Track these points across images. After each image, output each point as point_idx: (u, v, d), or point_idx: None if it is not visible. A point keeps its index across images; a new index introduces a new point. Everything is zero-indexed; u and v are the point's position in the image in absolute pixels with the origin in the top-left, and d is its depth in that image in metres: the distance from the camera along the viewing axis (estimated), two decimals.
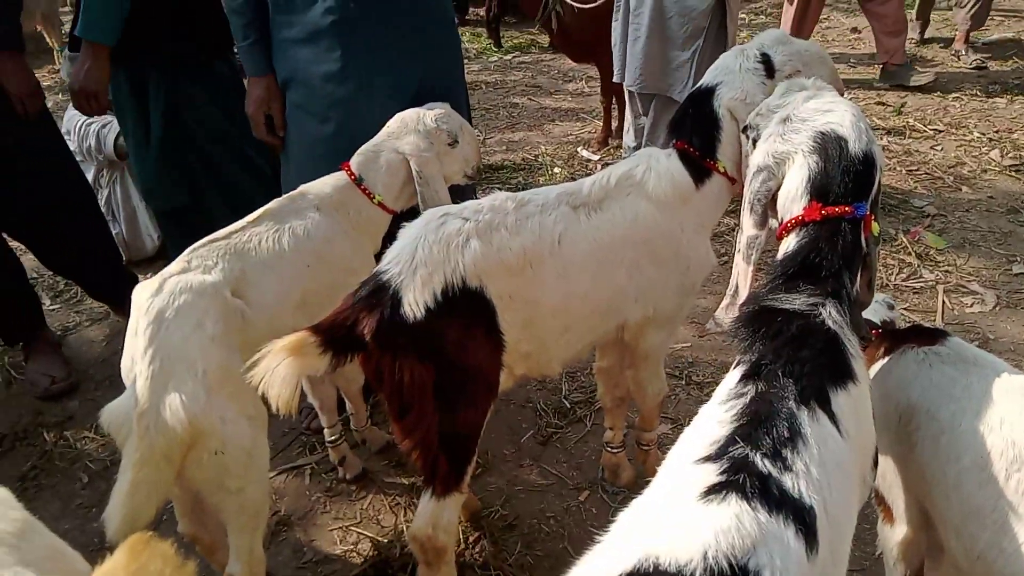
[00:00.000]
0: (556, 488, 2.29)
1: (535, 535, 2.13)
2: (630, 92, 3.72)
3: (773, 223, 1.39)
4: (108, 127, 3.38)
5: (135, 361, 1.54)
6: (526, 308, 1.69)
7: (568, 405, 2.61)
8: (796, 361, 1.04)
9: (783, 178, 1.34)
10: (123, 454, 1.50)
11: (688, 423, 2.47)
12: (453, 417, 1.63)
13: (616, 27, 3.64)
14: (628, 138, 3.88)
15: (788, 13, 5.29)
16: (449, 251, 1.60)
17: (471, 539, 2.12)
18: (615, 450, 2.23)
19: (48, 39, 6.62)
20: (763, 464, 0.91)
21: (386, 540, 2.14)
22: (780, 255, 1.28)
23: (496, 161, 4.72)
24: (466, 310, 1.61)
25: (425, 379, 1.58)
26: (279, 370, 1.39)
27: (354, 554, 2.11)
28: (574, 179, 4.41)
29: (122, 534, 1.45)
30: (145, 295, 1.59)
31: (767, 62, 1.88)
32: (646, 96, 3.64)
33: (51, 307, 3.34)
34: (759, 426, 0.95)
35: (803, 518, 0.89)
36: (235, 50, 2.37)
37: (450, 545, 1.71)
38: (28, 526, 1.07)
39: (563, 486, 2.29)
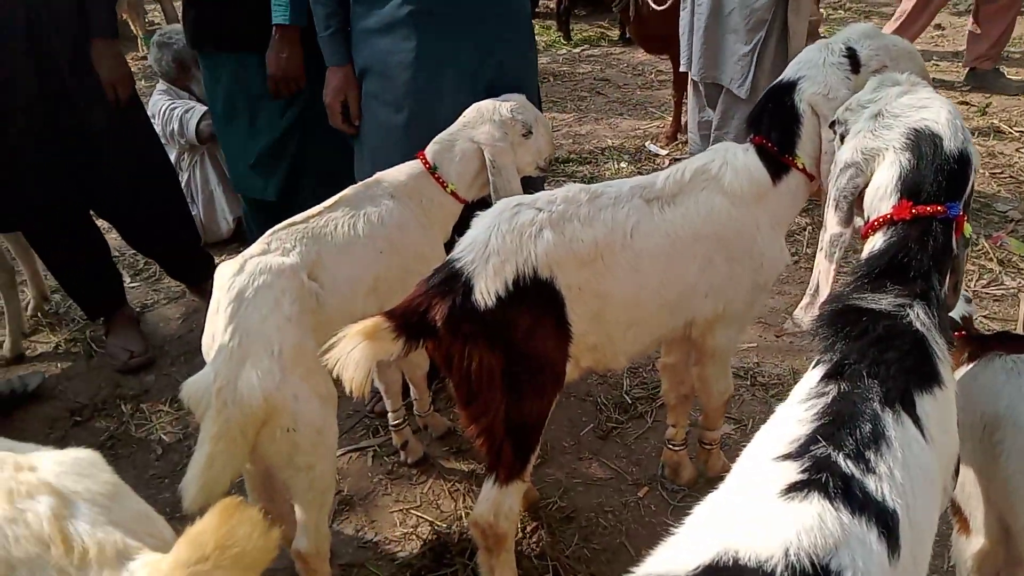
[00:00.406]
0: (615, 483, 2.28)
1: (592, 529, 2.13)
2: (694, 83, 3.67)
3: (858, 221, 1.35)
4: (191, 112, 3.49)
5: (215, 338, 1.59)
6: (596, 300, 1.68)
7: (629, 401, 2.59)
8: (881, 362, 1.01)
9: (872, 175, 1.31)
10: (201, 427, 1.55)
11: (752, 424, 2.45)
12: (519, 405, 1.65)
13: (684, 16, 3.60)
14: (692, 132, 3.83)
15: (907, 3, 5.13)
16: (522, 241, 1.61)
17: (528, 529, 2.13)
18: (677, 448, 2.21)
19: (132, 27, 6.85)
20: (846, 464, 0.88)
21: (445, 525, 2.16)
22: (865, 254, 1.25)
23: (562, 154, 4.71)
24: (536, 300, 1.62)
25: (494, 367, 1.60)
26: (353, 354, 1.43)
27: (413, 537, 2.14)
28: (640, 174, 4.38)
29: (198, 504, 1.50)
30: (227, 274, 1.64)
31: (852, 56, 1.83)
32: (713, 89, 3.58)
33: (131, 285, 3.47)
34: (842, 426, 0.93)
35: (886, 521, 0.86)
36: None
37: (511, 532, 1.72)
38: (118, 489, 1.11)
39: (622, 481, 2.28)
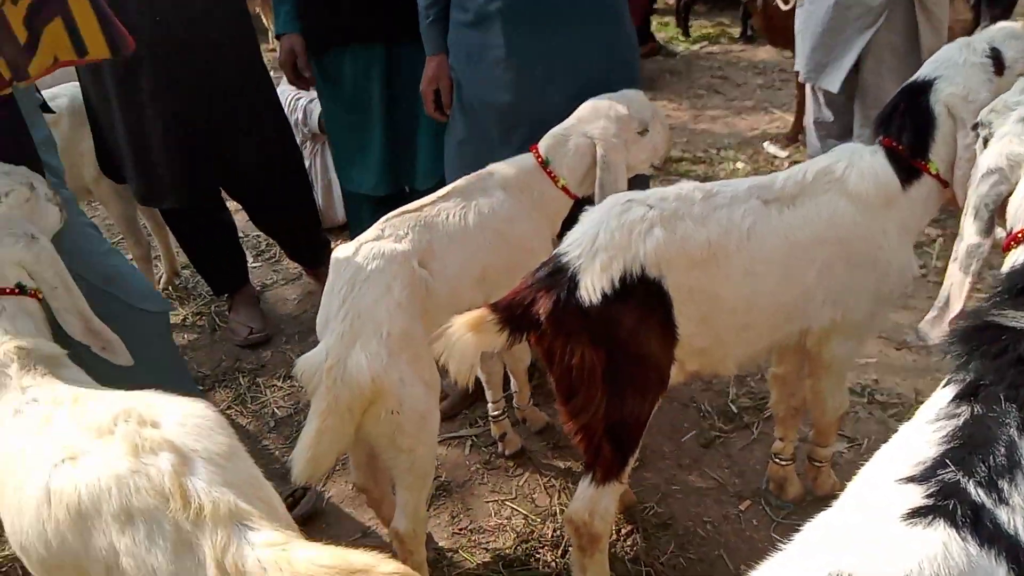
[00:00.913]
0: (715, 493, 2.21)
1: (689, 538, 2.07)
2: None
3: (999, 232, 1.25)
4: (314, 103, 3.63)
5: (329, 318, 1.65)
6: (705, 302, 1.64)
7: (735, 410, 2.51)
8: (1021, 385, 0.93)
9: (1017, 183, 1.21)
10: (311, 403, 1.61)
11: (868, 444, 2.32)
12: (620, 405, 1.62)
13: (799, 14, 3.44)
14: (810, 133, 3.66)
15: None
16: (631, 238, 1.59)
17: (623, 531, 2.10)
18: (784, 462, 2.12)
19: (264, 20, 7.19)
20: (976, 492, 0.82)
21: (539, 519, 2.16)
22: (1007, 268, 1.15)
23: (676, 153, 4.61)
24: (643, 299, 1.59)
25: (595, 364, 1.58)
26: (459, 344, 1.45)
27: (507, 528, 2.15)
28: (757, 175, 4.24)
29: (305, 476, 1.57)
30: (343, 258, 1.70)
31: (997, 57, 1.70)
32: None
33: (253, 264, 3.65)
34: (974, 451, 0.86)
35: (1017, 557, 0.79)
36: None
37: (605, 533, 1.70)
38: (234, 451, 1.16)
39: (723, 492, 2.21)
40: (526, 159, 2.03)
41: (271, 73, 3.09)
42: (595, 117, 2.04)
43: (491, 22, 2.18)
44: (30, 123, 1.82)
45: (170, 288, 3.48)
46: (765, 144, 4.64)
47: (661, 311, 1.62)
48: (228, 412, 2.72)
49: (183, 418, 1.15)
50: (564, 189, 2.04)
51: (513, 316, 1.54)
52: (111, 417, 1.15)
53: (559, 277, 1.59)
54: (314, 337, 3.08)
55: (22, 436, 1.24)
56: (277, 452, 2.52)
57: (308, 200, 3.25)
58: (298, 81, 2.69)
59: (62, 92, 2.98)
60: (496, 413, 2.36)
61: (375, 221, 2.54)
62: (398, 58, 2.48)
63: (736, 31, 7.20)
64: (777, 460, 2.14)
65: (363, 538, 2.17)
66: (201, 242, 3.07)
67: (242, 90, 2.80)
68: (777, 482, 2.16)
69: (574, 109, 2.10)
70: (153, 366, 1.82)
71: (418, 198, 1.94)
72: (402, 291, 1.67)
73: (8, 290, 1.46)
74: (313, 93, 3.54)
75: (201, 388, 2.81)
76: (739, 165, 4.40)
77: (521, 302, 1.57)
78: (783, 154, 4.47)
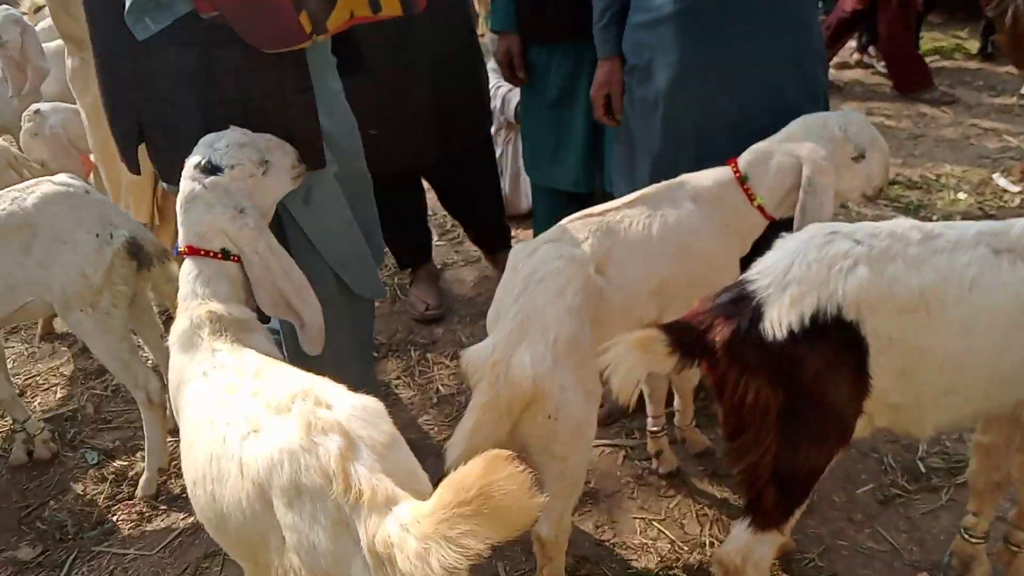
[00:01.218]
0: (887, 557, 2.01)
1: None
2: None
3: None
4: (513, 92, 3.68)
5: (500, 314, 1.66)
6: (908, 355, 1.47)
7: (923, 469, 2.26)
8: None
9: None
10: (473, 395, 1.63)
11: None
12: (793, 453, 1.50)
13: None
14: None
15: None
16: (830, 274, 1.46)
17: None
18: (974, 540, 1.88)
19: (477, 6, 7.39)
20: None
21: (686, 547, 2.07)
22: None
23: (889, 175, 4.23)
24: (835, 342, 1.46)
25: (770, 404, 1.48)
26: (625, 362, 1.41)
27: (651, 550, 2.08)
28: (982, 209, 3.80)
29: (458, 465, 1.58)
30: (522, 255, 1.70)
31: None
32: None
33: (437, 243, 3.75)
34: None
35: None
36: None
37: None
38: (395, 441, 1.19)
39: (897, 558, 2.01)
40: (723, 172, 1.93)
41: None
42: (805, 135, 1.90)
43: (666, 25, 2.09)
44: (320, 79, 1.85)
45: None
46: (995, 175, 4.14)
47: (854, 358, 1.48)
48: (396, 382, 2.84)
49: (353, 404, 1.19)
50: (760, 209, 1.92)
51: (686, 340, 1.47)
52: (289, 395, 1.21)
53: (743, 305, 1.49)
54: (484, 321, 3.15)
55: (210, 403, 1.34)
56: (436, 428, 2.60)
57: (495, 187, 3.31)
58: (513, 79, 2.71)
59: None
60: (655, 429, 2.28)
61: (560, 217, 2.53)
62: None
63: (973, 46, 6.47)
64: (967, 535, 1.90)
65: None
66: (394, 216, 3.20)
67: (459, 71, 2.88)
68: (962, 560, 1.92)
69: (747, 121, 1.99)
70: (344, 352, 1.92)
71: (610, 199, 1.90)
72: (575, 296, 1.64)
73: (211, 254, 1.58)
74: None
75: (376, 355, 2.95)
76: (960, 196, 3.96)
77: (697, 326, 1.50)
78: (1015, 188, 3.97)
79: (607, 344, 1.45)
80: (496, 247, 3.34)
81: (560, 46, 2.54)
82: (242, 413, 1.25)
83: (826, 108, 2.25)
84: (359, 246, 2.06)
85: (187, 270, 1.59)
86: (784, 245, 1.54)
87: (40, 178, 2.30)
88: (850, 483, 2.25)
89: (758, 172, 1.91)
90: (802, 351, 1.45)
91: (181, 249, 1.60)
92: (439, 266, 3.56)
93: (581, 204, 2.58)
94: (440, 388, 2.78)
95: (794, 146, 1.89)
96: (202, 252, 1.58)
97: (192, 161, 1.62)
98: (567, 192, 2.68)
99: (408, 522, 1.02)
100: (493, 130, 3.81)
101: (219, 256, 1.58)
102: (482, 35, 6.86)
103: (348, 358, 2.05)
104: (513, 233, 3.58)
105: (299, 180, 1.77)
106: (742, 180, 1.91)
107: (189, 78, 1.76)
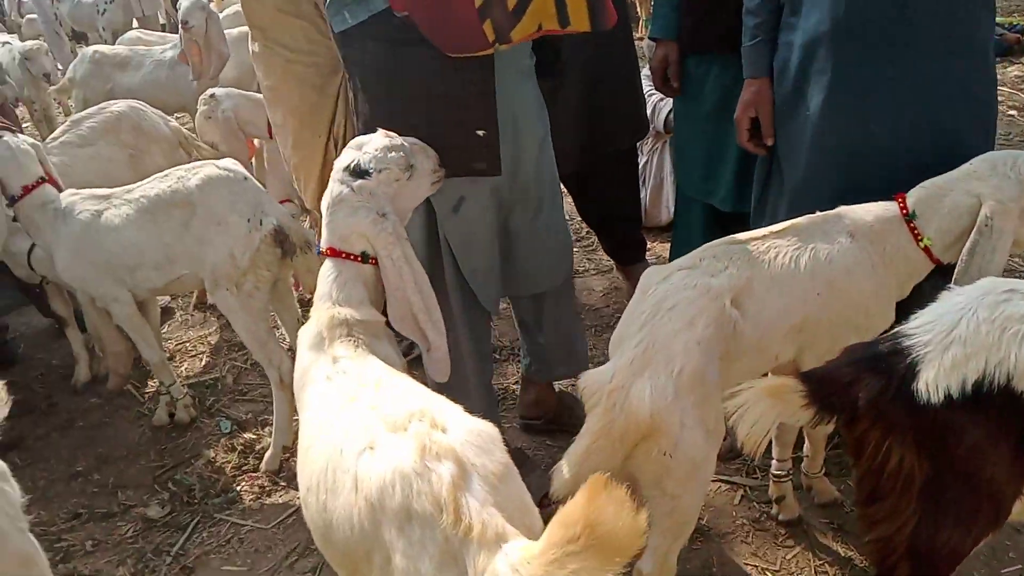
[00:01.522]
0: None
1: None
2: None
3: None
4: (664, 101, 3.57)
5: (624, 339, 1.59)
6: None
7: None
8: None
9: None
10: (587, 419, 1.57)
11: None
12: (934, 530, 1.36)
13: None
14: None
15: None
16: (1002, 337, 1.30)
17: None
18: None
19: (638, 9, 7.26)
20: None
21: None
22: None
23: None
24: (998, 414, 1.31)
25: (915, 474, 1.34)
26: (755, 410, 1.32)
27: None
28: None
29: (565, 490, 1.54)
30: (654, 280, 1.63)
31: None
32: None
33: None
34: None
35: None
36: None
37: None
38: (509, 471, 1.15)
39: None
40: (888, 207, 1.77)
41: None
42: (990, 174, 1.71)
43: (821, 45, 1.94)
44: (508, 85, 1.84)
45: None
46: None
47: (1018, 433, 1.31)
48: (515, 387, 2.82)
49: (470, 429, 1.16)
50: (926, 251, 1.75)
51: (826, 392, 1.35)
52: (407, 413, 1.19)
53: (895, 360, 1.36)
54: (609, 334, 3.06)
55: (330, 409, 1.34)
56: (549, 438, 2.55)
57: (634, 196, 3.22)
58: (664, 88, 2.63)
59: None
60: (780, 472, 2.13)
61: (706, 231, 2.41)
62: None
63: None
64: None
65: None
66: None
67: (613, 77, 2.84)
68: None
69: (904, 153, 1.84)
70: (463, 367, 1.92)
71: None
72: (705, 328, 1.55)
73: (351, 256, 1.61)
74: None
75: (496, 358, 2.95)
76: None
77: (840, 378, 1.37)
78: None
79: (736, 388, 1.36)
80: (630, 259, 3.26)
81: (720, 57, 2.42)
82: (360, 426, 1.24)
83: (994, 142, 2.03)
84: (491, 258, 2.04)
85: (326, 270, 1.62)
86: (951, 299, 1.39)
87: (205, 161, 2.46)
88: (995, 560, 2.02)
89: (929, 210, 1.74)
90: (959, 419, 1.31)
91: (323, 249, 1.63)
92: None
93: (728, 221, 2.48)
94: None
95: (976, 184, 1.71)
96: (343, 255, 1.61)
97: (341, 163, 1.65)
98: (715, 208, 2.56)
99: (518, 562, 0.99)
100: None
101: (358, 259, 1.60)
102: (640, 39, 6.77)
103: (466, 373, 2.05)
104: (649, 245, 3.48)
105: (438, 185, 1.77)
106: (909, 218, 1.74)
107: (377, 72, 1.84)
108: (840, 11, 1.88)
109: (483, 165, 1.84)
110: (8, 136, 2.48)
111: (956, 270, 1.75)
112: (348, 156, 1.65)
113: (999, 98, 2.22)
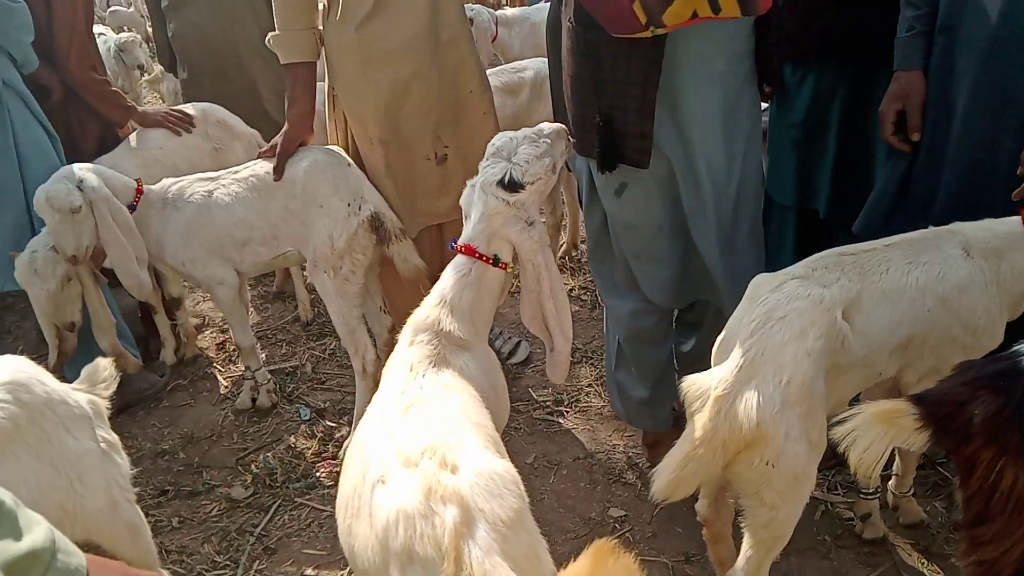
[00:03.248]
0: None
1: None
2: None
3: None
4: None
5: (731, 344, 1.59)
6: None
7: None
8: None
9: None
10: (688, 424, 1.57)
11: None
12: None
13: None
14: None
15: None
16: None
17: None
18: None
19: None
20: None
21: None
22: None
23: None
24: None
25: None
26: (868, 436, 1.31)
27: None
28: None
29: (664, 494, 1.54)
30: (765, 287, 1.62)
31: None
32: None
33: None
34: None
35: None
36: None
37: None
38: (520, 518, 1.10)
39: None
40: (1010, 223, 1.74)
41: None
42: None
43: (963, 44, 1.92)
44: (679, 85, 1.86)
45: (566, 258, 3.71)
46: None
47: None
48: (588, 389, 2.83)
49: (482, 470, 1.11)
50: None
51: (941, 414, 1.33)
52: (420, 449, 1.16)
53: (1014, 380, 1.33)
54: (688, 343, 3.03)
55: (371, 422, 1.35)
56: (621, 444, 2.56)
57: None
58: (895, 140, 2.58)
59: (530, 65, 3.30)
60: (868, 490, 2.11)
61: (796, 238, 2.37)
62: (869, 81, 2.26)
63: None
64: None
65: None
66: None
67: None
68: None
69: None
70: None
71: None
72: (816, 340, 1.54)
73: (485, 257, 1.62)
74: None
75: (573, 360, 2.96)
76: None
77: (954, 398, 1.35)
78: None
79: (846, 413, 1.35)
80: None
81: (816, 64, 2.40)
82: (378, 455, 1.23)
83: None
84: (659, 248, 2.08)
85: (457, 266, 1.63)
86: None
87: (313, 146, 2.51)
88: None
89: None
90: None
91: (458, 246, 1.65)
92: None
93: (820, 230, 2.45)
94: None
95: None
96: (477, 254, 1.62)
97: (493, 176, 1.63)
98: (804, 218, 2.53)
99: None
100: None
101: (489, 260, 1.62)
102: None
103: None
104: None
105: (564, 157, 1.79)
106: None
107: (567, 51, 1.94)
108: (997, 22, 1.85)
109: (633, 155, 1.89)
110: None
111: None
112: (498, 167, 1.63)
113: None
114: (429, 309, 1.57)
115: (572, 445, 2.58)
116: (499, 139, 1.69)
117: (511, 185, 1.61)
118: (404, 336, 1.56)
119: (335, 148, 2.51)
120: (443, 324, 1.53)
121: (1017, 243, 1.71)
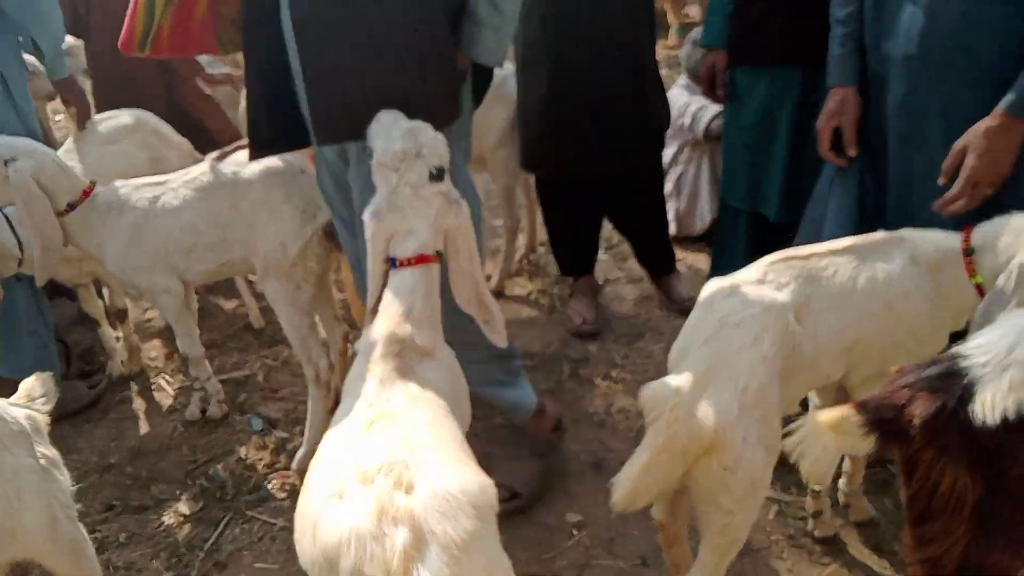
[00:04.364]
0: None
1: None
2: None
3: None
4: (703, 109, 3.57)
5: (686, 353, 1.59)
6: None
7: None
8: None
9: None
10: (647, 434, 1.57)
11: None
12: (985, 552, 1.36)
13: None
14: None
15: None
16: None
17: None
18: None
19: (670, 16, 7.22)
20: None
21: None
22: None
23: None
24: None
25: (967, 494, 1.34)
26: (816, 445, 1.33)
27: None
28: None
29: (623, 504, 1.54)
30: (719, 294, 1.63)
31: None
32: None
33: (602, 256, 3.68)
34: None
35: None
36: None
37: None
38: (475, 539, 1.07)
39: None
40: (951, 239, 1.77)
41: (665, 70, 3.08)
42: None
43: (892, 66, 1.96)
44: None
45: (524, 261, 3.70)
46: None
47: None
48: (546, 394, 2.82)
49: (437, 490, 1.09)
50: (978, 288, 1.74)
51: (885, 419, 1.35)
52: (378, 466, 1.14)
53: (951, 381, 1.36)
54: (640, 343, 3.06)
55: (335, 436, 1.33)
56: (579, 449, 2.55)
57: (660, 208, 3.24)
58: (711, 95, 2.67)
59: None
60: (819, 488, 2.13)
61: (749, 242, 2.40)
62: (818, 85, 2.30)
63: None
64: None
65: None
66: (565, 224, 3.20)
67: (631, 82, 2.87)
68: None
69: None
70: None
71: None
72: (771, 345, 1.56)
73: (433, 258, 1.58)
74: (703, 100, 3.49)
75: (527, 364, 2.95)
76: None
77: (895, 402, 1.37)
78: None
79: (794, 424, 1.37)
80: (659, 271, 3.28)
81: (768, 70, 2.43)
82: (337, 471, 1.21)
83: None
84: None
85: (411, 282, 1.58)
86: (1011, 321, 1.39)
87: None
88: None
89: (986, 249, 1.73)
90: (1014, 442, 1.31)
91: (408, 259, 1.59)
92: (601, 281, 3.50)
93: (772, 233, 2.48)
94: (589, 410, 2.73)
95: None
96: (428, 259, 1.58)
97: (421, 177, 1.60)
98: (758, 221, 2.57)
99: None
100: (675, 148, 3.72)
101: (437, 259, 1.59)
102: (672, 47, 6.75)
103: None
104: (682, 256, 3.49)
105: None
106: (968, 252, 1.74)
107: None
108: (914, 38, 1.90)
109: None
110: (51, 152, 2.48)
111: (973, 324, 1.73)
112: (418, 167, 1.59)
113: None
114: (391, 323, 1.53)
115: None
116: (393, 145, 1.62)
117: (439, 175, 1.60)
118: (367, 349, 1.52)
119: (289, 155, 2.46)
120: (407, 335, 1.50)
121: (955, 259, 1.74)
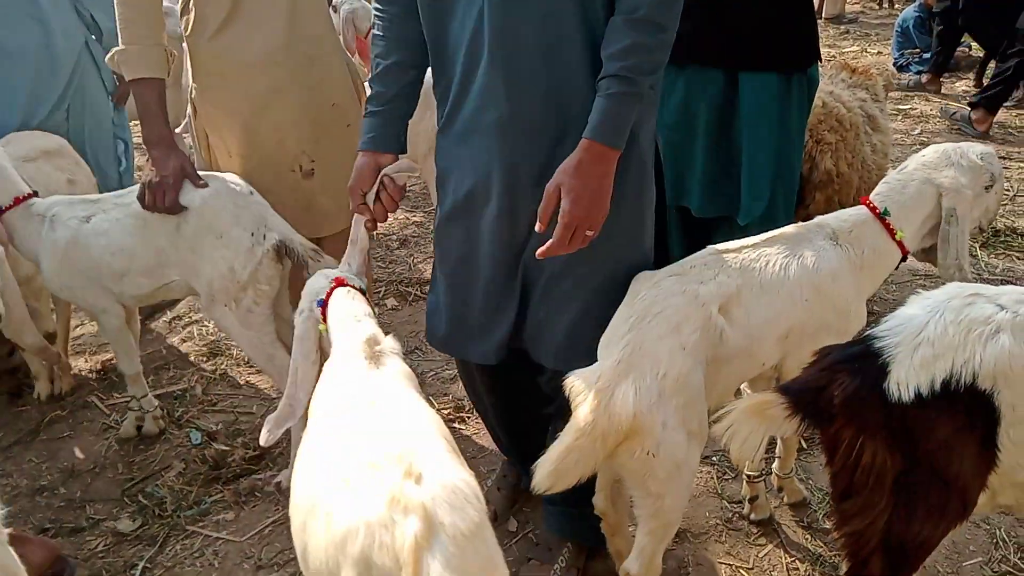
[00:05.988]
0: None
1: None
2: None
3: None
4: None
5: (612, 340, 1.63)
6: None
7: None
8: None
9: None
10: (571, 418, 1.60)
11: None
12: (906, 523, 1.43)
13: None
14: None
15: None
16: (968, 338, 1.38)
17: None
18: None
19: None
20: None
21: None
22: None
23: (1020, 225, 3.98)
24: (964, 411, 1.38)
25: (887, 469, 1.41)
26: (743, 429, 1.39)
27: None
28: None
29: (544, 487, 1.55)
30: (644, 285, 1.67)
31: None
32: None
33: None
34: None
35: None
36: None
37: None
38: (480, 530, 1.09)
39: None
40: (859, 212, 1.87)
41: None
42: (944, 164, 1.86)
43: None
44: None
45: None
46: None
47: (983, 430, 1.39)
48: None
49: (445, 483, 1.10)
50: (899, 244, 1.85)
51: (805, 401, 1.41)
52: (385, 455, 1.15)
53: (867, 361, 1.43)
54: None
55: (330, 423, 1.32)
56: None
57: None
58: None
59: None
60: (753, 473, 2.20)
61: (683, 238, 2.45)
62: (734, 84, 2.37)
63: None
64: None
65: None
66: None
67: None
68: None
69: None
70: None
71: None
72: (691, 334, 1.60)
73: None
74: None
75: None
76: None
77: (815, 384, 1.44)
78: None
79: (723, 411, 1.42)
80: None
81: (685, 68, 2.50)
82: (342, 460, 1.21)
83: None
84: None
85: (349, 298, 1.61)
86: (920, 302, 1.47)
87: (210, 173, 2.36)
88: (956, 554, 2.11)
89: (895, 204, 1.85)
90: (928, 416, 1.38)
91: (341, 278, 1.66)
92: None
93: (705, 229, 2.54)
94: None
95: (933, 173, 1.86)
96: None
97: None
98: (688, 215, 2.63)
99: None
100: None
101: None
102: None
103: None
104: None
105: None
106: (882, 215, 1.84)
107: None
108: None
109: None
110: None
111: (939, 259, 1.88)
112: None
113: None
114: (361, 327, 1.52)
115: (474, 450, 2.59)
116: None
117: None
118: (343, 345, 1.51)
119: (232, 176, 2.36)
120: (378, 336, 1.50)
121: (872, 226, 1.83)
